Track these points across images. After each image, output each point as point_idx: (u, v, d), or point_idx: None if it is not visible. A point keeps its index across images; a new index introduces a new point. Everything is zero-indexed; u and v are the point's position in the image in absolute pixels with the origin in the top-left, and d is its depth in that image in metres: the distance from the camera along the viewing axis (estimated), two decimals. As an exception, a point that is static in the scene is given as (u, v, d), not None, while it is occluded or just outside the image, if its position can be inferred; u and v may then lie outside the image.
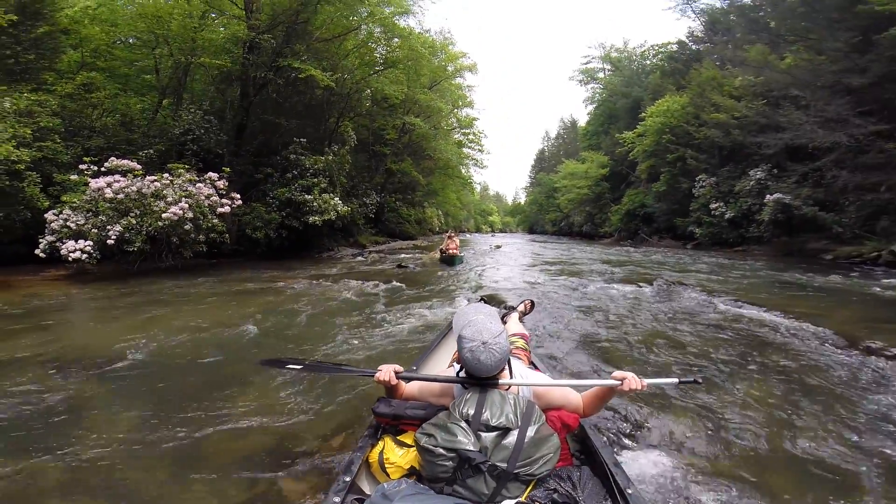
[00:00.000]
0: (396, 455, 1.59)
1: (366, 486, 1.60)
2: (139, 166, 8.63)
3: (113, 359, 3.55)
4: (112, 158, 8.49)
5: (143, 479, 1.99)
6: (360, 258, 13.30)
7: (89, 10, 11.44)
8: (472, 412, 1.39)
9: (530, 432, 1.35)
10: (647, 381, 1.55)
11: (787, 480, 2.01)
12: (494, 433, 1.35)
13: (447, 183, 30.59)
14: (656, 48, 34.87)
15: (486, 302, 3.97)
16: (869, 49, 11.71)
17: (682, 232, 22.24)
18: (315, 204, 11.96)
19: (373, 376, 1.72)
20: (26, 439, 2.31)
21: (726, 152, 19.43)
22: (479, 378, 1.52)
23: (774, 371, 3.36)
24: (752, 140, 15.90)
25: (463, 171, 31.55)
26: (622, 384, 1.52)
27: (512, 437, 1.34)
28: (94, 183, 7.89)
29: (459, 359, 1.55)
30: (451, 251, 11.51)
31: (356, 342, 4.14)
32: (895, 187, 11.65)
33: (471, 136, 29.67)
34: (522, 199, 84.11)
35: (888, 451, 2.22)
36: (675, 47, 29.96)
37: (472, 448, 1.31)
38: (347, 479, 1.46)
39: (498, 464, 1.30)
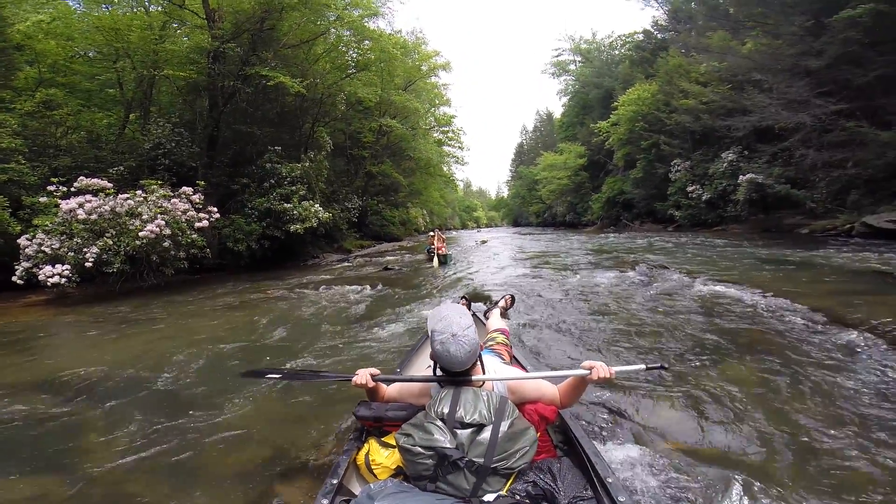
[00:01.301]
0: (382, 456, 1.63)
1: (355, 488, 1.63)
2: (110, 184, 8.42)
3: (103, 380, 3.52)
4: (81, 178, 8.26)
5: (145, 492, 2.06)
6: (345, 263, 13.23)
7: (43, 25, 11.07)
8: (446, 411, 1.43)
9: (504, 427, 1.40)
10: (615, 368, 1.59)
11: (767, 461, 2.06)
12: (469, 430, 1.39)
13: (429, 182, 30.48)
14: (624, 38, 35.45)
15: (467, 299, 4.03)
16: (823, 32, 12.13)
17: (662, 215, 22.72)
18: (295, 212, 11.84)
19: (350, 381, 1.75)
20: (29, 460, 2.37)
21: (698, 136, 19.91)
22: (453, 373, 1.56)
23: (754, 351, 3.44)
24: (722, 124, 16.34)
25: (444, 169, 31.55)
26: (591, 373, 1.57)
27: (486, 433, 1.38)
28: (65, 204, 7.68)
29: (433, 355, 1.60)
30: (439, 251, 11.57)
31: (342, 349, 4.16)
32: (861, 163, 12.11)
33: (450, 134, 29.63)
34: (505, 192, 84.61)
35: (866, 424, 2.29)
36: (641, 37, 30.54)
37: (448, 445, 1.35)
38: (335, 481, 1.50)
39: (475, 459, 1.35)
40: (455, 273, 9.62)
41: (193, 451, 2.40)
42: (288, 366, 3.69)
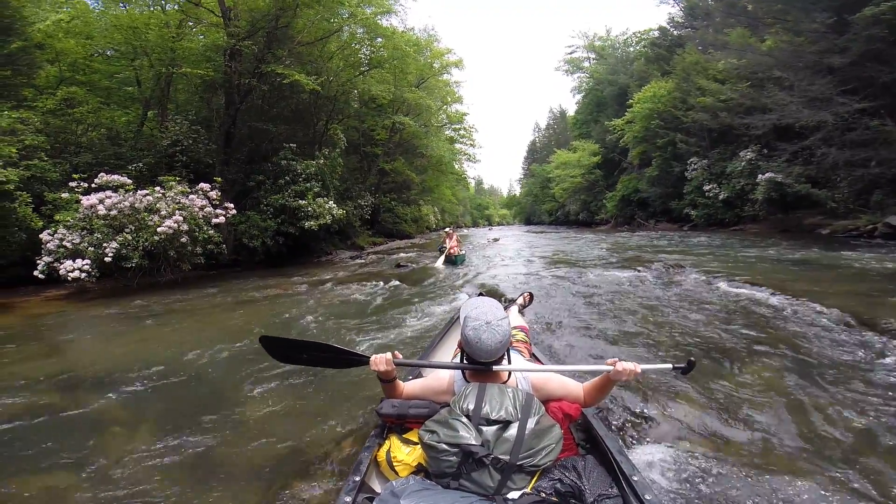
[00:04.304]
0: (403, 453, 1.62)
1: (376, 485, 1.63)
2: (130, 181, 8.58)
3: (121, 374, 3.57)
4: (102, 174, 8.44)
5: (163, 489, 2.04)
6: (358, 260, 13.29)
7: (62, 24, 11.27)
8: (472, 407, 1.42)
9: (530, 424, 1.38)
10: (641, 367, 1.57)
11: (793, 461, 2.02)
12: (495, 426, 1.37)
13: (441, 180, 30.48)
14: (639, 35, 34.97)
15: (483, 296, 4.01)
16: (846, 29, 11.79)
17: (677, 215, 22.39)
18: (310, 209, 11.92)
19: (367, 363, 1.75)
20: (45, 457, 2.37)
21: (716, 135, 19.55)
22: (479, 362, 1.54)
23: (777, 352, 3.37)
24: (740, 122, 15.98)
25: (456, 166, 31.51)
26: (615, 368, 1.55)
27: (513, 430, 1.37)
28: (86, 200, 7.84)
29: (461, 342, 1.58)
30: (452, 251, 11.34)
31: (359, 344, 4.17)
32: (885, 162, 11.77)
33: (462, 132, 29.59)
34: (517, 191, 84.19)
35: (890, 425, 2.23)
36: (657, 33, 30.04)
37: (474, 442, 1.34)
38: (357, 478, 1.49)
39: (501, 456, 1.33)
40: (469, 270, 9.60)
41: (211, 446, 2.39)
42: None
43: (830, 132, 12.96)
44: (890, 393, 2.60)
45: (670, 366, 1.62)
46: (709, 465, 2.00)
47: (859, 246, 9.62)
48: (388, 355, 1.72)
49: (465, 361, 1.64)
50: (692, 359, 1.61)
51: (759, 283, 5.73)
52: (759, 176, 15.83)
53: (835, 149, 12.87)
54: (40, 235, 7.75)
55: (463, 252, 11.68)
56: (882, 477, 1.87)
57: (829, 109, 12.41)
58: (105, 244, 7.76)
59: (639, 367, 1.55)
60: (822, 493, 1.79)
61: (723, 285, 5.85)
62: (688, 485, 1.88)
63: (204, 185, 9.27)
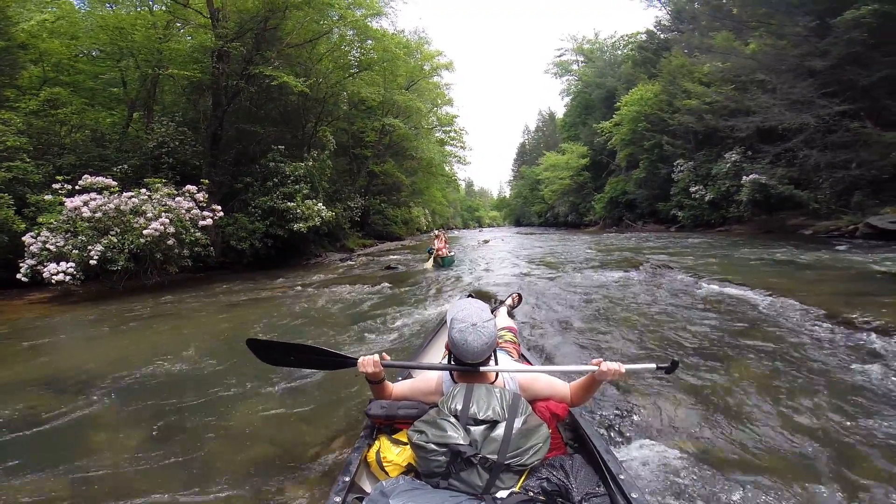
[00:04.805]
0: (393, 453, 1.63)
1: (366, 485, 1.63)
2: (115, 183, 8.45)
3: (107, 378, 3.52)
4: (86, 176, 8.30)
5: (152, 492, 2.03)
6: (348, 262, 13.24)
7: (47, 24, 11.10)
8: (459, 407, 1.43)
9: (518, 424, 1.40)
10: (625, 367, 1.59)
11: (776, 459, 2.06)
12: (483, 426, 1.39)
13: (431, 181, 30.52)
14: (626, 38, 35.39)
15: (473, 297, 4.03)
16: (827, 33, 12.08)
17: (664, 216, 22.68)
18: (298, 211, 11.85)
19: (355, 365, 1.75)
20: (33, 460, 2.34)
21: (701, 137, 19.86)
22: (466, 363, 1.56)
23: (761, 350, 3.44)
24: (725, 124, 16.25)
25: (446, 168, 31.56)
26: (599, 368, 1.57)
27: (500, 430, 1.38)
28: (70, 202, 7.71)
29: (449, 344, 1.60)
30: (440, 253, 11.31)
31: (347, 347, 4.16)
32: (865, 164, 12.06)
33: (452, 134, 29.64)
34: (507, 192, 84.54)
35: (876, 423, 2.28)
36: (644, 37, 30.43)
37: (462, 442, 1.35)
38: (347, 479, 1.49)
39: (489, 456, 1.35)
40: (459, 272, 9.62)
41: (201, 449, 2.38)
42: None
43: (812, 134, 13.25)
44: (868, 390, 2.67)
45: (654, 365, 1.64)
46: (694, 463, 2.03)
47: (841, 246, 9.84)
48: (376, 357, 1.73)
49: (452, 363, 1.65)
50: (676, 358, 1.64)
51: (744, 282, 5.84)
52: (744, 177, 16.11)
53: (816, 151, 13.16)
54: (23, 238, 7.60)
55: (452, 254, 11.60)
56: (862, 474, 1.92)
57: (811, 112, 12.70)
58: (90, 247, 7.63)
59: (623, 367, 1.57)
60: (805, 490, 1.83)
61: (709, 285, 5.94)
62: (674, 483, 1.91)
63: (191, 187, 9.17)
